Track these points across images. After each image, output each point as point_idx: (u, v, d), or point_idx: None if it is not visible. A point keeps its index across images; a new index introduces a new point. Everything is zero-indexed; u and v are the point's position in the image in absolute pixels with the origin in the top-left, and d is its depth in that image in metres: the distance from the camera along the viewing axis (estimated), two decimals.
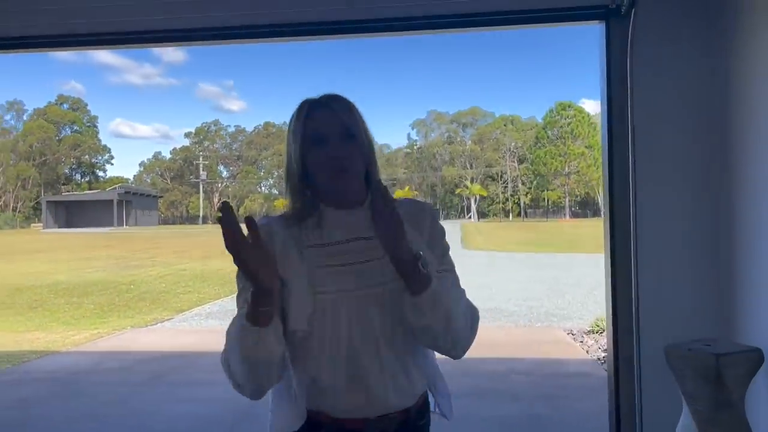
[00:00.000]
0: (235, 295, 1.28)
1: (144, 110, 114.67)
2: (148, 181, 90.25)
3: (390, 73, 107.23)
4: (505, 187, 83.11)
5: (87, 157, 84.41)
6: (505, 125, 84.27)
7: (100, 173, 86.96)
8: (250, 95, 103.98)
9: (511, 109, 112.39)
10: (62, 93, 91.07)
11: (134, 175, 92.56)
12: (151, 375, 5.72)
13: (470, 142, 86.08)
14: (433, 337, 1.24)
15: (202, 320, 9.51)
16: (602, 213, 2.84)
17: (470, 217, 74.00)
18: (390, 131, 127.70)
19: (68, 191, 73.88)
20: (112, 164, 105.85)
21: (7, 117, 79.31)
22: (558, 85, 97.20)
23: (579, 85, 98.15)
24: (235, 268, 1.12)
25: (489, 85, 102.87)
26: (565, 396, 4.78)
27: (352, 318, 1.22)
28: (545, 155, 69.74)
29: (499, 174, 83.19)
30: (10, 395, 5.15)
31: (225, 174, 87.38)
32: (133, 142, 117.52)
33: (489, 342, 6.79)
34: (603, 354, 6.12)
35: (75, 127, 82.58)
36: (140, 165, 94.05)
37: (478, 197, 76.71)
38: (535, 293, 11.63)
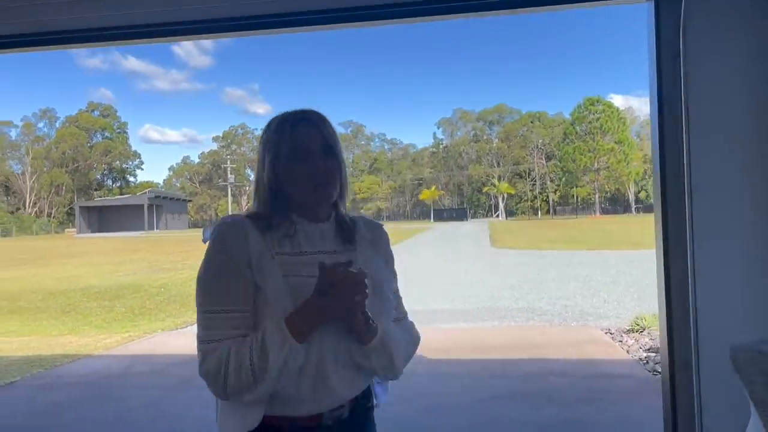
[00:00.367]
0: None
1: (172, 115, 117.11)
2: (178, 185, 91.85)
3: (415, 73, 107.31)
4: (533, 184, 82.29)
5: (118, 162, 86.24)
6: (531, 122, 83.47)
7: (131, 178, 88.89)
8: (275, 98, 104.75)
9: (537, 106, 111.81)
10: (92, 100, 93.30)
11: (164, 180, 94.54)
12: (181, 378, 5.66)
13: (497, 139, 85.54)
14: (374, 371, 1.35)
15: None
16: (653, 207, 2.62)
17: (498, 216, 73.48)
18: (415, 131, 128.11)
19: (100, 197, 75.66)
20: (142, 169, 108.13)
21: (40, 125, 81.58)
22: (585, 81, 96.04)
23: (607, 79, 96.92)
24: None
25: (515, 81, 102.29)
26: (609, 399, 4.56)
27: (321, 327, 1.26)
28: (574, 151, 68.55)
29: (527, 171, 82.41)
30: (43, 399, 5.14)
31: (252, 177, 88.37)
32: (162, 147, 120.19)
33: (524, 342, 6.55)
34: (645, 354, 5.87)
35: (106, 134, 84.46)
36: (169, 169, 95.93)
37: (505, 195, 76.13)
38: (569, 291, 11.34)
